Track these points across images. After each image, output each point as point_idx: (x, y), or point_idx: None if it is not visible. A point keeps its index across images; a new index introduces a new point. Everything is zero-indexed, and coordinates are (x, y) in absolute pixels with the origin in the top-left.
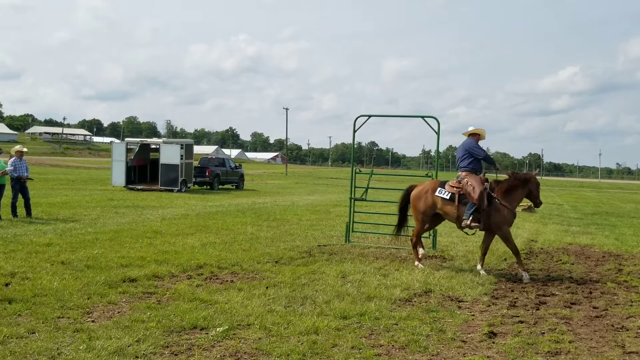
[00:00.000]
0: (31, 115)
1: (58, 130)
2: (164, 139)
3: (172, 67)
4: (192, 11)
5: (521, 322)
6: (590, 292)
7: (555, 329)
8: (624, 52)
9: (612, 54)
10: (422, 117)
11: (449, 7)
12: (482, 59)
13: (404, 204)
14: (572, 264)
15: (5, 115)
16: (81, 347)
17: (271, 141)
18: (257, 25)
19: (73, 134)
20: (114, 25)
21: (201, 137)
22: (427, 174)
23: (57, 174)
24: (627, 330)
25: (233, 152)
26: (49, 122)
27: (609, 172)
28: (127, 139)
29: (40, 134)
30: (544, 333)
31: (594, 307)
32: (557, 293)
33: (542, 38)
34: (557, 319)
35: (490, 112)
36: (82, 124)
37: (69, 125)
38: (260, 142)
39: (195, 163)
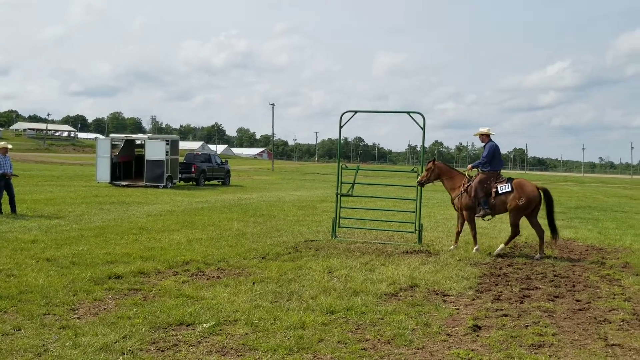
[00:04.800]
0: (15, 112)
1: (42, 126)
2: (149, 134)
3: (162, 62)
4: (184, 7)
5: (505, 315)
6: (574, 286)
7: (539, 322)
8: (613, 48)
9: (601, 49)
10: (408, 112)
11: (440, 3)
12: (472, 56)
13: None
14: (556, 258)
15: None
16: (67, 344)
17: (257, 137)
18: (249, 21)
19: (57, 130)
20: (106, 21)
21: (187, 133)
22: (412, 169)
23: (42, 171)
24: (610, 322)
25: (219, 148)
26: (33, 119)
27: (592, 167)
28: (111, 135)
29: (24, 130)
30: (527, 326)
31: (577, 300)
32: (540, 286)
33: (531, 34)
34: (540, 312)
35: (478, 107)
36: (67, 120)
37: (53, 122)
38: (246, 138)
39: (181, 159)
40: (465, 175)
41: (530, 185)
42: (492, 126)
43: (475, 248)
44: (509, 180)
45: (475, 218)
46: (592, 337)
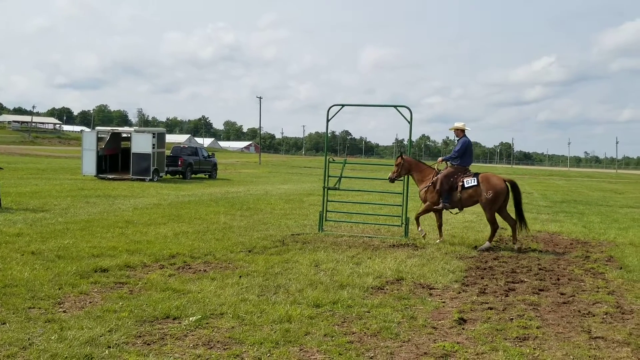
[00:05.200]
0: None
1: (27, 119)
2: (136, 127)
3: (149, 55)
4: None
5: (490, 308)
6: (558, 279)
7: (524, 315)
8: (599, 44)
9: (587, 45)
10: (395, 106)
11: None
12: (459, 50)
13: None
14: (541, 251)
15: None
16: (53, 338)
17: (244, 130)
18: (236, 14)
19: (42, 123)
20: (92, 12)
21: (173, 125)
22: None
23: (27, 163)
24: (594, 315)
25: (206, 141)
26: (18, 111)
27: (577, 161)
28: (98, 128)
29: (9, 122)
30: (512, 319)
31: (562, 294)
32: (525, 280)
33: (517, 29)
34: (525, 305)
35: (465, 102)
36: (52, 113)
37: (38, 114)
38: (233, 131)
39: (168, 152)
40: (434, 168)
41: (497, 178)
42: (478, 120)
43: (420, 231)
44: (476, 175)
45: (443, 211)
46: (576, 329)
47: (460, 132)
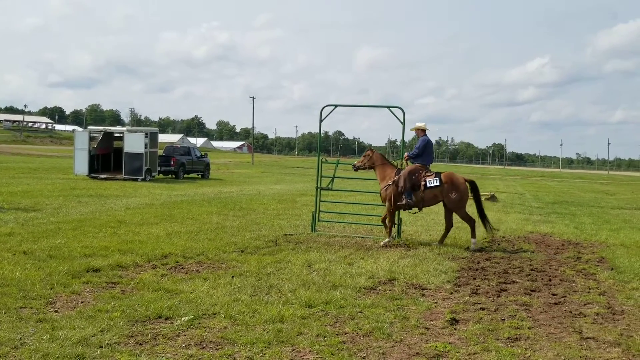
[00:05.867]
0: None
1: (19, 117)
2: (128, 127)
3: (143, 54)
4: None
5: (482, 309)
6: (550, 280)
7: (516, 315)
8: (592, 45)
9: (580, 46)
10: (388, 107)
11: None
12: (453, 51)
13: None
14: (533, 252)
15: None
16: (44, 337)
17: (237, 130)
18: (231, 13)
19: (34, 122)
20: (86, 11)
21: (166, 125)
22: (392, 163)
23: (18, 163)
24: (585, 316)
25: (199, 141)
26: (10, 110)
27: (569, 162)
28: (90, 127)
29: (0, 121)
30: (504, 319)
31: (553, 294)
32: (517, 280)
33: (511, 30)
34: (517, 305)
35: (458, 102)
36: (44, 112)
37: (30, 113)
38: (226, 131)
39: (160, 152)
40: (397, 167)
41: (459, 177)
42: (471, 121)
43: (384, 242)
44: (437, 174)
45: (397, 211)
46: (568, 330)
47: (421, 131)
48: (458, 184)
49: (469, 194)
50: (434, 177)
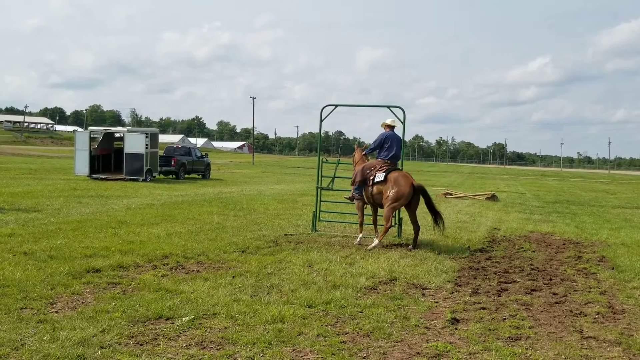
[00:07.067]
0: None
1: (19, 118)
2: (129, 127)
3: (144, 54)
4: None
5: (483, 308)
6: (551, 279)
7: (516, 315)
8: (593, 44)
9: (582, 46)
10: (388, 106)
11: None
12: (454, 51)
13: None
14: (534, 252)
15: None
16: (45, 338)
17: (238, 130)
18: (232, 14)
19: (35, 123)
20: (87, 12)
21: (167, 126)
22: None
23: (19, 163)
24: (586, 315)
25: (199, 141)
26: (10, 111)
27: (570, 162)
28: (90, 128)
29: (0, 122)
30: (505, 319)
31: (554, 294)
32: (518, 280)
33: (513, 29)
34: (518, 305)
35: (459, 102)
36: (44, 112)
37: (30, 114)
38: (226, 131)
39: (161, 152)
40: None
41: (406, 179)
42: (472, 121)
43: (357, 241)
44: (388, 171)
45: (366, 207)
46: (568, 329)
47: (388, 127)
48: (400, 184)
49: (412, 199)
50: (383, 173)
